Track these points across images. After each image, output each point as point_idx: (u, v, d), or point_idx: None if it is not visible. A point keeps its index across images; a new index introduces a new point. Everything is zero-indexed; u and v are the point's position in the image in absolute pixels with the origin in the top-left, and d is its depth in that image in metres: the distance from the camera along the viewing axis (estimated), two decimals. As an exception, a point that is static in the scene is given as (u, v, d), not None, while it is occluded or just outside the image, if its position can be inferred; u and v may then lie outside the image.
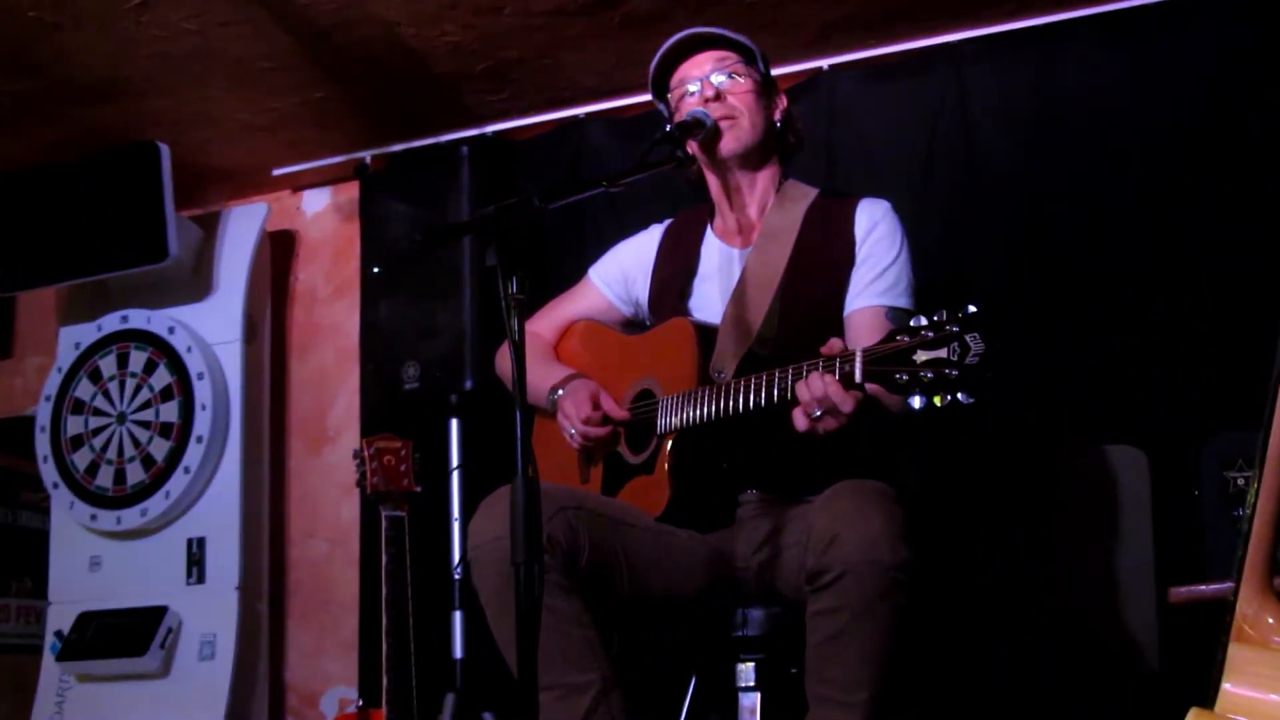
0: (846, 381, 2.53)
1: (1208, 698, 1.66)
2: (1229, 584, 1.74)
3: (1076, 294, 3.96)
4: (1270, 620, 1.68)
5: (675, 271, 3.30)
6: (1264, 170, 3.75)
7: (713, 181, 3.27)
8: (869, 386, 2.55)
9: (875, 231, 3.10)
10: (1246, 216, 3.75)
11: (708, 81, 3.11)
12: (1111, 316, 3.90)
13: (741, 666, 2.95)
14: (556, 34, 4.30)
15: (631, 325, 3.43)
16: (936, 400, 2.36)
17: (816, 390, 2.56)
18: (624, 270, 3.44)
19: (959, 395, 2.35)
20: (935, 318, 2.38)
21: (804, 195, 3.22)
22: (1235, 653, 1.67)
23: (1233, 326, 3.68)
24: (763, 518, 3.00)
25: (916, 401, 2.39)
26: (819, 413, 2.57)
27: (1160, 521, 3.65)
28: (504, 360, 3.44)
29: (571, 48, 4.40)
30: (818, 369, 2.57)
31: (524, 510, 2.19)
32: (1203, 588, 2.95)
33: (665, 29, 4.17)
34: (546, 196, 2.48)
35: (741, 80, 3.14)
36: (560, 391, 3.18)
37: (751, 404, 2.74)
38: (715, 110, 3.09)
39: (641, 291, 3.39)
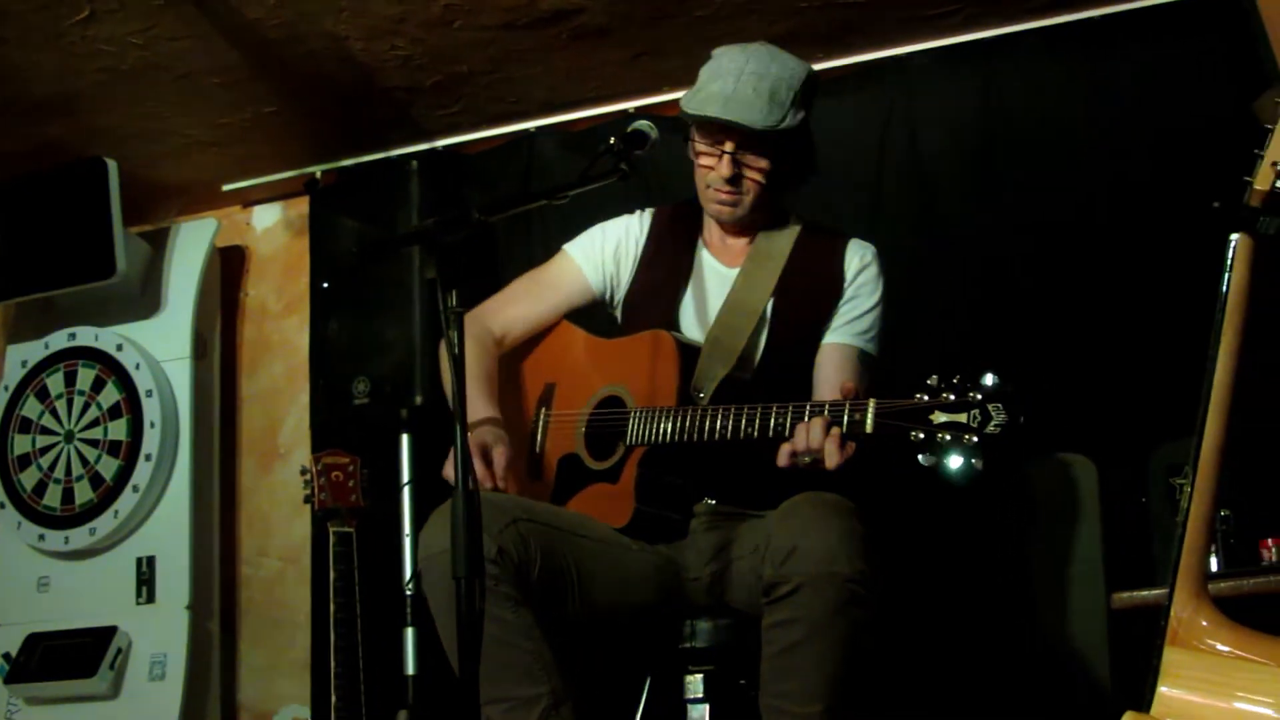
0: (853, 430, 2.53)
1: (1144, 701, 1.66)
2: (1167, 589, 1.75)
3: (1024, 305, 3.98)
4: (1204, 624, 1.70)
5: (666, 277, 3.27)
6: (1205, 183, 3.77)
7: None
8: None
9: (864, 274, 3.14)
10: (1190, 227, 3.77)
11: (734, 161, 3.04)
12: (1060, 327, 3.92)
13: (690, 678, 2.95)
14: (506, 48, 4.29)
15: (596, 306, 3.37)
16: (950, 462, 2.37)
17: (815, 441, 2.57)
18: (612, 252, 3.34)
19: (973, 460, 2.35)
20: (954, 380, 2.39)
21: (791, 223, 3.23)
22: (1170, 656, 1.68)
23: (1179, 338, 3.69)
24: (714, 530, 3.00)
25: (924, 459, 2.40)
26: (808, 460, 2.59)
27: (1109, 528, 3.67)
28: (459, 368, 3.38)
29: (522, 62, 4.39)
30: (822, 413, 2.58)
31: (465, 524, 2.19)
32: (1144, 593, 2.97)
33: (615, 43, 4.21)
34: (487, 209, 2.47)
35: (761, 165, 3.07)
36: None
37: (742, 433, 2.73)
38: (720, 187, 3.06)
39: (623, 280, 3.33)
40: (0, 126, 4.72)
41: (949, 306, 4.04)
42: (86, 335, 5.04)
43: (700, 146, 3.08)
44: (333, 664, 3.75)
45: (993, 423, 2.35)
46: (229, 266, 5.40)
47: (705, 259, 3.27)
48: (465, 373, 2.30)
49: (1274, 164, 1.93)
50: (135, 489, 4.83)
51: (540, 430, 3.28)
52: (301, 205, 5.25)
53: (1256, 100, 3.42)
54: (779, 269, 3.14)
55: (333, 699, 3.73)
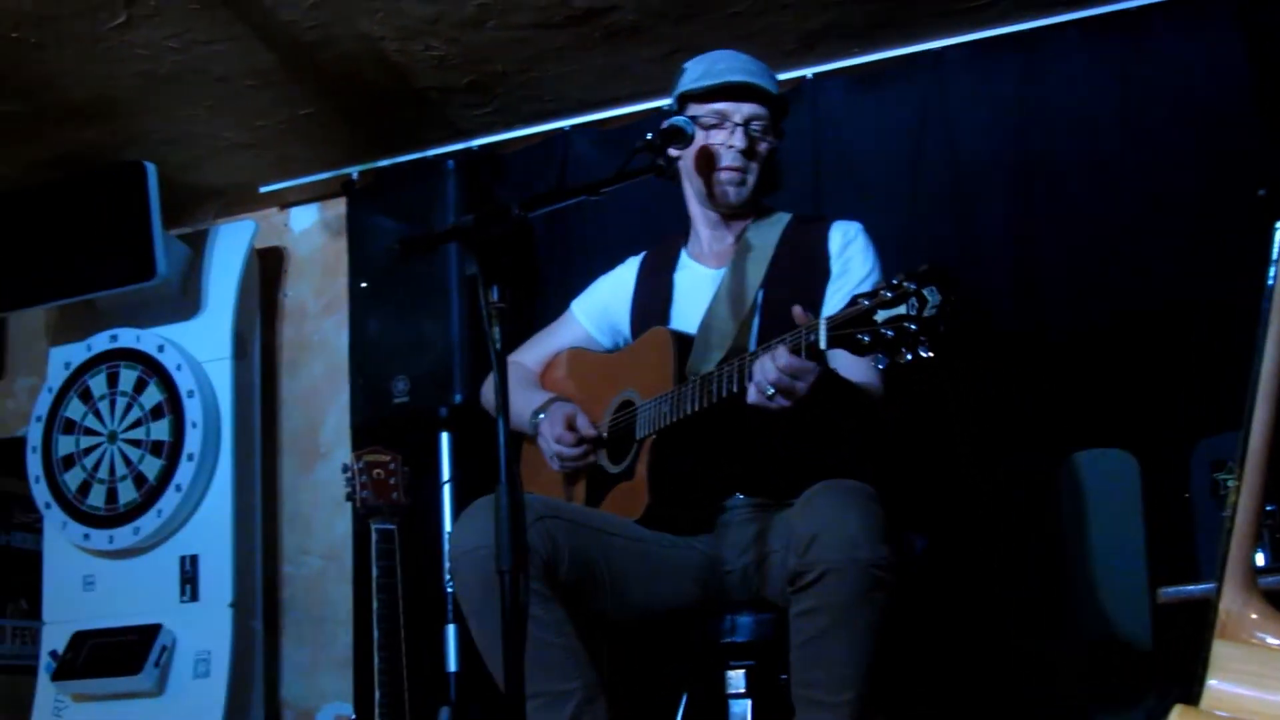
0: (810, 351, 2.54)
1: (1193, 694, 1.66)
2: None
3: (1064, 299, 3.97)
4: (1253, 616, 1.68)
5: (653, 298, 3.34)
6: (1248, 172, 3.75)
7: (692, 203, 3.32)
8: (847, 369, 2.60)
9: (851, 247, 3.17)
10: (1234, 216, 3.75)
11: (747, 132, 3.14)
12: (1100, 321, 3.91)
13: (731, 674, 2.95)
14: (540, 47, 4.30)
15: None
16: (898, 357, 2.38)
17: (769, 370, 2.59)
18: (604, 303, 3.48)
19: (920, 350, 2.36)
20: (894, 280, 2.40)
21: (779, 219, 3.29)
22: (1219, 649, 1.67)
23: (1222, 329, 3.68)
24: (749, 522, 3.00)
25: (880, 363, 2.41)
26: (771, 390, 2.60)
27: (1152, 524, 3.65)
28: (489, 391, 3.47)
29: (556, 61, 4.40)
30: (783, 343, 2.59)
31: (508, 518, 2.19)
32: (1191, 588, 2.95)
33: (648, 41, 4.21)
34: (527, 205, 2.48)
35: (768, 141, 3.19)
36: (541, 416, 3.21)
37: (725, 390, 2.75)
38: (733, 160, 3.14)
39: (623, 321, 3.42)
40: (40, 132, 4.77)
41: (985, 301, 4.03)
42: (128, 337, 5.08)
43: (708, 122, 3.15)
44: (375, 661, 3.76)
45: (928, 305, 2.35)
46: (267, 268, 5.43)
47: (693, 270, 3.32)
48: (505, 369, 2.31)
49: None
50: (178, 488, 4.86)
51: None
52: (338, 206, 5.27)
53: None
54: (766, 260, 3.18)
55: (375, 696, 3.75)
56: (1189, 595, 2.95)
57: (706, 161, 3.16)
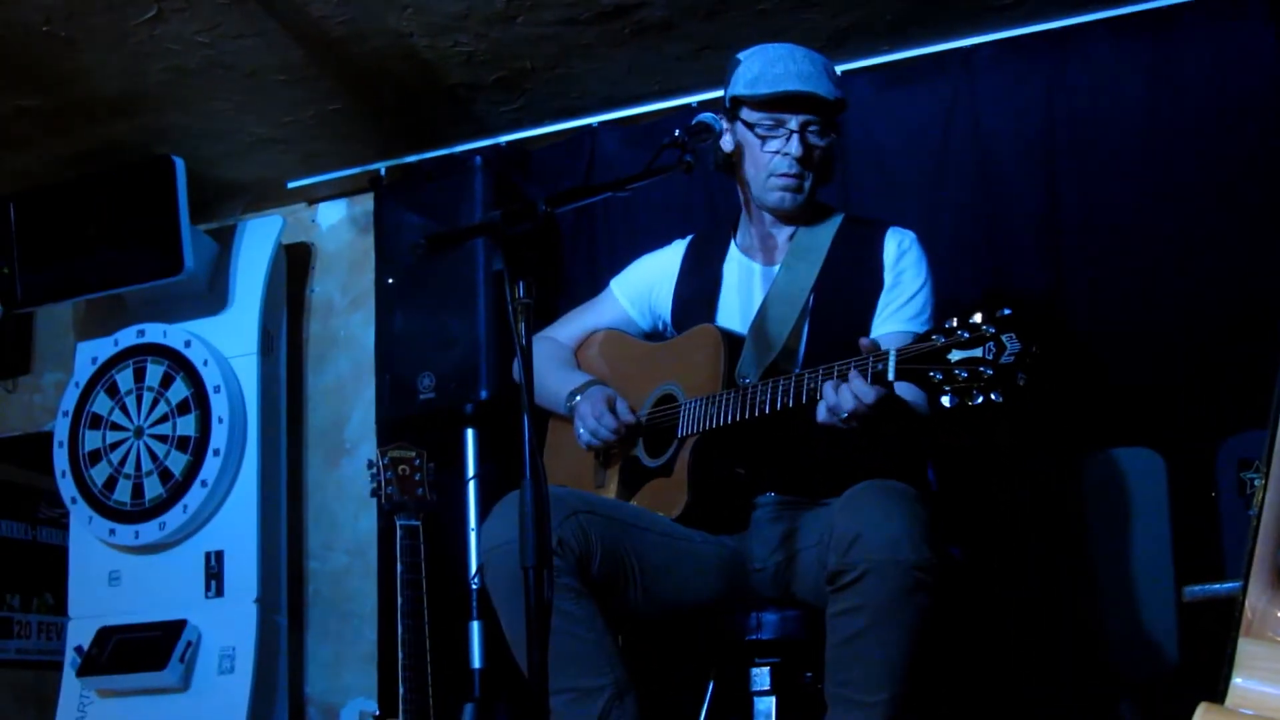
0: (878, 379, 2.54)
1: (1219, 692, 1.65)
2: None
3: (1091, 298, 3.96)
4: (1279, 615, 1.68)
5: (699, 288, 3.31)
6: (1276, 171, 3.74)
7: (746, 199, 3.27)
8: (900, 386, 2.58)
9: (905, 258, 3.14)
10: (1261, 215, 3.74)
11: (803, 139, 3.09)
12: (1127, 319, 3.90)
13: (756, 670, 2.95)
14: (568, 44, 4.30)
15: (651, 337, 3.45)
16: (968, 399, 2.37)
17: (845, 398, 2.59)
18: (648, 284, 3.45)
19: (992, 395, 2.36)
20: (971, 320, 2.39)
21: (831, 217, 3.25)
22: (1245, 648, 1.66)
23: (1248, 328, 3.67)
24: (779, 520, 3.00)
25: (947, 400, 2.41)
26: (847, 415, 2.60)
27: (1178, 523, 3.64)
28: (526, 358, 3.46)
29: (583, 57, 4.40)
30: (850, 368, 2.59)
31: (533, 514, 2.20)
32: (1217, 587, 2.94)
33: (676, 38, 4.21)
34: (553, 201, 2.48)
35: (825, 142, 3.13)
36: (578, 397, 3.19)
37: (779, 404, 2.75)
38: (789, 168, 3.09)
39: (664, 306, 3.40)
40: (69, 126, 4.79)
41: (1013, 298, 4.01)
42: (155, 332, 5.09)
43: (763, 131, 3.10)
44: (400, 657, 3.77)
45: (1007, 352, 2.34)
46: (294, 263, 5.44)
47: (742, 263, 3.29)
48: (533, 364, 2.32)
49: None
50: (204, 484, 4.88)
51: None
52: (366, 202, 5.28)
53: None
54: (819, 262, 3.15)
55: (400, 692, 3.75)
56: (1215, 594, 2.94)
57: (762, 166, 3.13)
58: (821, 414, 2.65)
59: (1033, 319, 2.37)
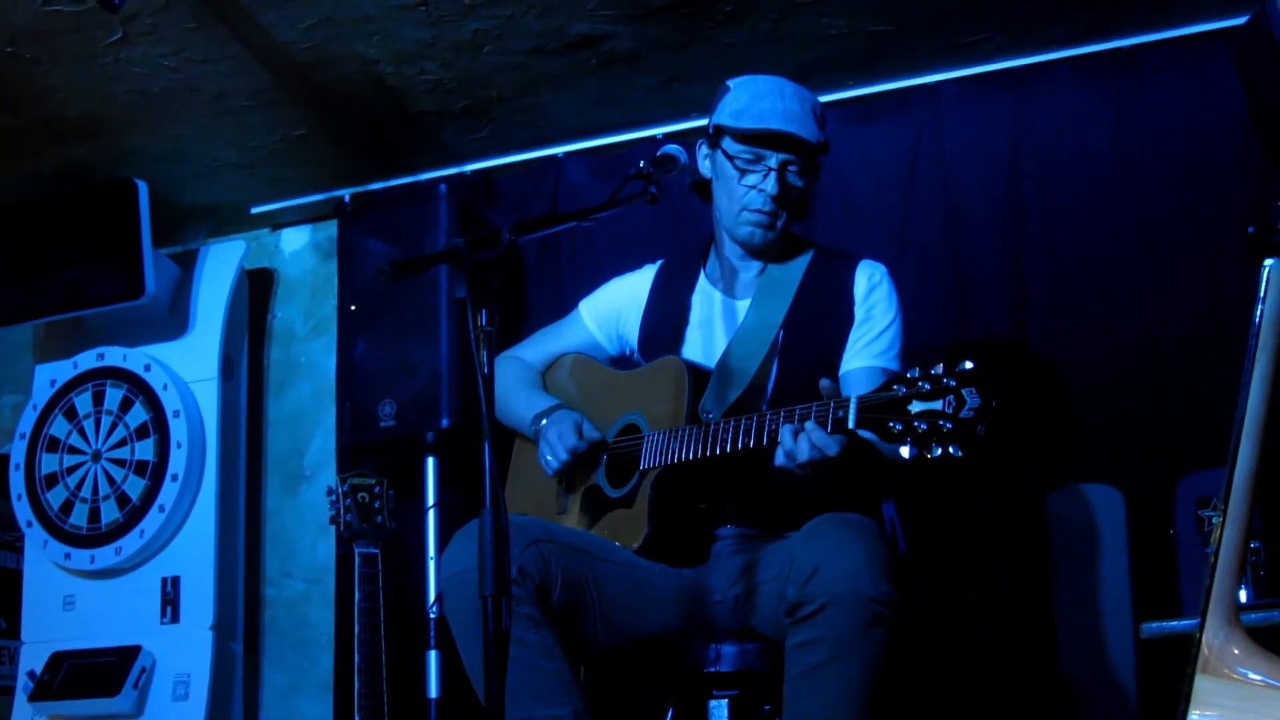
0: (838, 427, 2.54)
1: (1175, 729, 1.65)
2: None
3: (1052, 336, 3.98)
4: (1235, 652, 1.68)
5: (666, 316, 3.30)
6: (1237, 209, 3.77)
7: (719, 227, 3.27)
8: (862, 432, 2.57)
9: (875, 293, 3.15)
10: (1222, 253, 3.77)
11: (781, 178, 3.08)
12: (1087, 358, 3.91)
13: (715, 702, 2.95)
14: (535, 73, 4.30)
15: (618, 362, 3.43)
16: (926, 451, 2.38)
17: (803, 447, 2.59)
18: (615, 309, 3.44)
19: (950, 448, 2.36)
20: (932, 371, 2.40)
21: (803, 250, 3.25)
22: (1201, 684, 1.67)
23: (1209, 365, 3.69)
24: (739, 553, 3.00)
25: (906, 451, 2.41)
26: (803, 463, 2.60)
27: (1137, 560, 3.65)
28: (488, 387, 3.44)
29: (551, 87, 4.40)
30: (810, 415, 2.59)
31: (492, 542, 2.19)
32: (1174, 624, 2.95)
33: (643, 69, 4.22)
34: (518, 229, 2.48)
35: (803, 182, 3.13)
36: (544, 420, 3.18)
37: (740, 444, 2.75)
38: (763, 204, 3.09)
39: (631, 332, 3.39)
40: (32, 147, 4.76)
41: (975, 334, 4.03)
42: (115, 355, 5.06)
43: (742, 164, 3.09)
44: (356, 685, 3.75)
45: (966, 407, 2.35)
46: (257, 288, 5.42)
47: (707, 292, 3.29)
48: (498, 385, 2.32)
49: (1308, 190, 1.92)
50: (161, 509, 4.84)
51: None
52: (329, 228, 5.26)
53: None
54: (789, 297, 3.15)
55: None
56: (1172, 631, 2.95)
57: (736, 199, 3.13)
58: (779, 458, 2.65)
59: (994, 373, 2.38)
